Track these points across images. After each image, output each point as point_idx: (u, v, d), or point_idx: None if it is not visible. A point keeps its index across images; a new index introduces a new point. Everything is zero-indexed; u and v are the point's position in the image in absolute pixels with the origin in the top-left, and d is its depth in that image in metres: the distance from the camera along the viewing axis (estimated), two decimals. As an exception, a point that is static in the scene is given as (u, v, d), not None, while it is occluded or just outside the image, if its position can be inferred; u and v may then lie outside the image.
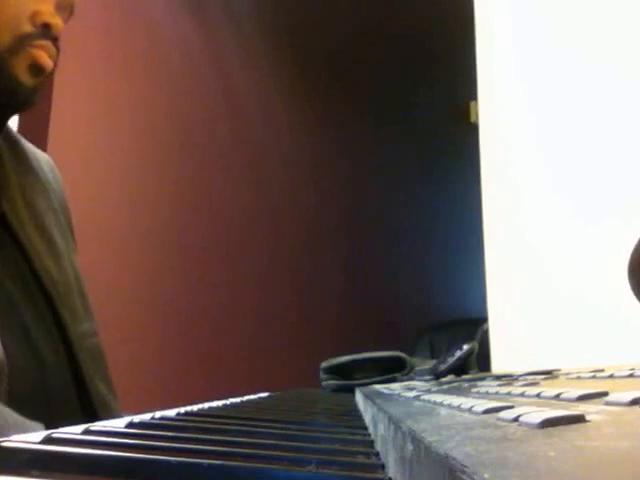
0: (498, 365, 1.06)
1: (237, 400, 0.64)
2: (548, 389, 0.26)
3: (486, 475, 0.12)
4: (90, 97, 1.78)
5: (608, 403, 0.20)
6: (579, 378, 0.36)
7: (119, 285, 1.77)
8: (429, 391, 0.44)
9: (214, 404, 0.56)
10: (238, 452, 0.26)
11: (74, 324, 0.66)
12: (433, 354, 2.52)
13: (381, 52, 2.88)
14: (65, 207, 0.78)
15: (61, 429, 0.28)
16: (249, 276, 2.24)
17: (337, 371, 1.11)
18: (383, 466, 0.26)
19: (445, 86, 2.94)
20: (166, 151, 2.00)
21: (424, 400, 0.35)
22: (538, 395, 0.26)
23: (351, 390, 0.87)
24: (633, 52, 0.82)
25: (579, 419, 0.17)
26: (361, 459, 0.28)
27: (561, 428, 0.16)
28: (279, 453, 0.26)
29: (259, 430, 0.34)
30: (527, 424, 0.17)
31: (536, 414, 0.18)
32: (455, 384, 0.54)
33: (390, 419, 0.26)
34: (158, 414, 0.38)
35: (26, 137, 0.77)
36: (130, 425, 0.33)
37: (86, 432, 0.29)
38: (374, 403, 0.39)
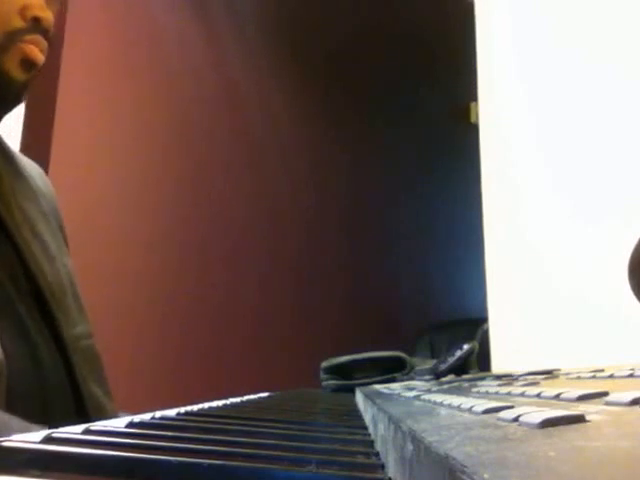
0: (498, 365, 1.06)
1: (237, 400, 0.64)
2: (548, 389, 0.26)
3: (486, 475, 0.12)
4: (93, 97, 1.78)
5: (608, 403, 0.20)
6: (579, 378, 0.36)
7: (119, 285, 1.77)
8: (429, 391, 0.44)
9: (214, 404, 0.56)
10: (238, 452, 0.26)
11: (68, 326, 0.66)
12: (433, 354, 2.52)
13: (381, 52, 2.88)
14: (56, 211, 0.78)
15: (61, 429, 0.28)
16: (249, 276, 2.24)
17: (337, 371, 1.11)
18: (383, 466, 0.26)
19: (445, 86, 2.94)
20: (167, 150, 2.00)
21: (424, 400, 0.35)
22: (538, 395, 0.26)
23: (351, 390, 0.87)
24: (633, 52, 0.82)
25: (579, 419, 0.17)
26: (361, 459, 0.28)
27: (561, 428, 0.16)
28: (279, 453, 0.26)
29: (259, 430, 0.34)
30: (527, 424, 0.17)
31: (536, 414, 0.18)
32: (455, 384, 0.54)
33: (390, 419, 0.26)
34: (158, 414, 0.38)
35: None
36: (130, 425, 0.33)
37: (86, 432, 0.29)
38: (374, 403, 0.39)
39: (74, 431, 0.28)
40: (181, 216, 2.01)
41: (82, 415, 0.63)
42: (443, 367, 0.78)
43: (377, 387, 0.74)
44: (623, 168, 0.81)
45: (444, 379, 0.73)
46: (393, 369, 1.08)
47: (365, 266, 2.86)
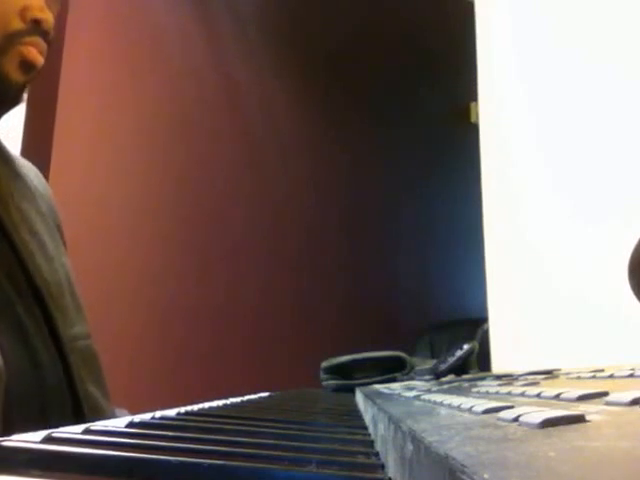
0: (498, 365, 1.06)
1: (237, 400, 0.64)
2: (548, 389, 0.26)
3: (486, 475, 0.12)
4: (93, 97, 1.78)
5: (608, 403, 0.20)
6: (579, 378, 0.36)
7: (119, 285, 1.77)
8: (429, 391, 0.44)
9: (214, 404, 0.56)
10: (238, 452, 0.26)
11: (65, 326, 0.65)
12: (433, 354, 2.51)
13: (381, 52, 2.87)
14: (54, 211, 0.78)
15: (61, 429, 0.28)
16: (249, 276, 2.24)
17: (337, 371, 1.11)
18: (383, 466, 0.26)
19: (445, 86, 2.94)
20: (167, 150, 2.00)
21: (424, 400, 0.35)
22: (538, 395, 0.26)
23: (351, 390, 0.87)
24: (633, 52, 0.82)
25: (579, 419, 0.17)
26: (361, 459, 0.28)
27: (561, 428, 0.16)
28: (279, 453, 0.26)
29: (259, 430, 0.34)
30: (527, 424, 0.17)
31: (536, 414, 0.18)
32: (455, 384, 0.54)
33: (390, 419, 0.26)
34: (158, 414, 0.38)
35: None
36: (130, 425, 0.33)
37: (86, 432, 0.29)
38: (374, 403, 0.39)
39: (74, 431, 0.28)
40: (181, 216, 2.01)
41: (79, 416, 0.63)
42: (443, 367, 0.78)
43: (377, 387, 0.74)
44: (623, 168, 0.81)
45: (444, 379, 0.73)
46: (393, 369, 1.08)
47: (365, 266, 2.86)
